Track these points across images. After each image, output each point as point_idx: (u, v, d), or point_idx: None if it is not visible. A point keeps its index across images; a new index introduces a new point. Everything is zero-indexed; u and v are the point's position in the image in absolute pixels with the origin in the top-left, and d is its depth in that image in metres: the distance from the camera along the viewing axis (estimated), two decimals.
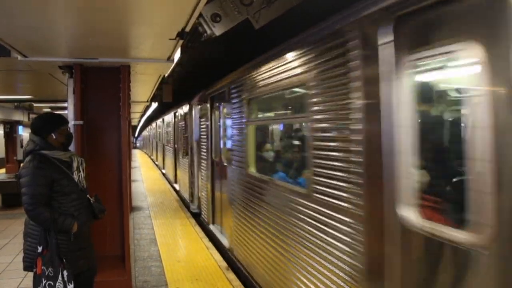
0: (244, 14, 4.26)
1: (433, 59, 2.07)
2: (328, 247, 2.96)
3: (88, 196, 3.48)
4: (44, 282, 3.02)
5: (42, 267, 3.02)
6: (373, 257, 2.46)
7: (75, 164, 3.36)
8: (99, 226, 4.26)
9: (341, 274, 2.79)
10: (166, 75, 6.71)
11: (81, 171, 3.44)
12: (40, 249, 3.08)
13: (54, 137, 3.34)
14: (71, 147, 3.67)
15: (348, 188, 2.72)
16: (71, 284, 3.06)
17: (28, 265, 3.21)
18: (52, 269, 3.03)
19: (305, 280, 3.38)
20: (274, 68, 4.08)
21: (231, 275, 5.37)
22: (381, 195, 2.35)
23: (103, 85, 4.83)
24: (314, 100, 3.22)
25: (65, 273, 3.05)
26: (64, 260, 3.10)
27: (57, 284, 3.02)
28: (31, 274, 3.23)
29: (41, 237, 3.11)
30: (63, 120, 3.48)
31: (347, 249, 2.72)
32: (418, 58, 2.11)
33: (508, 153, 1.68)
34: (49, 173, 3.15)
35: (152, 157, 27.77)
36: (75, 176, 3.34)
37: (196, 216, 8.91)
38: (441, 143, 2.63)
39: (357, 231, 2.61)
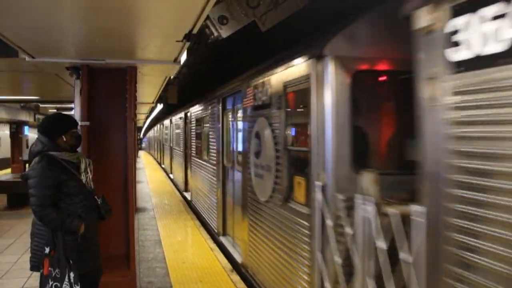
0: (251, 17, 4.26)
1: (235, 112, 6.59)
2: (212, 178, 7.80)
3: (95, 197, 3.49)
4: (51, 283, 3.02)
5: (49, 268, 3.03)
6: (219, 177, 7.26)
7: (83, 166, 3.37)
8: (104, 226, 4.25)
9: (212, 185, 7.72)
10: (172, 76, 6.74)
11: (89, 172, 3.44)
12: (47, 250, 3.09)
13: (64, 139, 3.33)
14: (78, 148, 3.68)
15: (215, 157, 7.52)
16: (78, 285, 3.06)
17: (35, 265, 3.23)
18: (59, 270, 3.04)
19: (208, 194, 8.33)
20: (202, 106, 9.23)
21: (236, 277, 5.37)
22: (219, 157, 7.22)
23: (109, 86, 4.84)
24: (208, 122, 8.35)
25: (71, 274, 3.06)
26: (71, 261, 3.10)
27: (64, 285, 3.02)
28: (36, 274, 3.24)
29: (49, 238, 3.12)
30: (74, 121, 3.49)
31: (215, 174, 7.59)
32: (229, 112, 6.97)
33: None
34: (57, 175, 3.16)
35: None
36: (83, 178, 3.34)
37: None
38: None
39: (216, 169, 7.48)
